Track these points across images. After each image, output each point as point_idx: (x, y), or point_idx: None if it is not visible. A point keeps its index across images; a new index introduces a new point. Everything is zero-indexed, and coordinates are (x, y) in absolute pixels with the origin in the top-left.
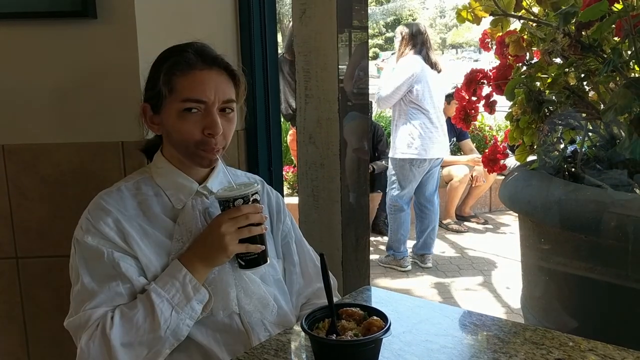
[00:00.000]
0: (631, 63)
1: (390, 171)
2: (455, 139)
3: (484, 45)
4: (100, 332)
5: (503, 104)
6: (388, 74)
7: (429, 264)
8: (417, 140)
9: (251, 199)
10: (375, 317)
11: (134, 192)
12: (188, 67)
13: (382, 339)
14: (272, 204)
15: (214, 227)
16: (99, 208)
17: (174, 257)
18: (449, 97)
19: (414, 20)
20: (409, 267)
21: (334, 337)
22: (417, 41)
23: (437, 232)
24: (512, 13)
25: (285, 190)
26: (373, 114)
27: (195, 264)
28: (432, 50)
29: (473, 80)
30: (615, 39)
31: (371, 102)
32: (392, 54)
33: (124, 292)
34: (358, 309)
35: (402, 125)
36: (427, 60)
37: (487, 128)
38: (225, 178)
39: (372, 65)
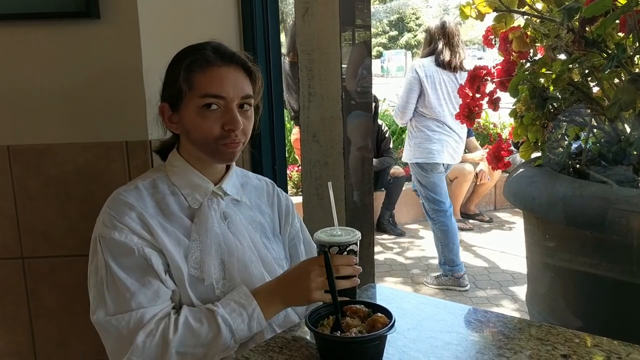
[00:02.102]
0: (635, 58)
1: (414, 181)
2: None
3: (487, 42)
4: (162, 335)
5: (507, 100)
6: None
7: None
8: (424, 145)
9: (347, 250)
10: (379, 314)
11: (151, 190)
12: (207, 63)
13: (386, 335)
14: (281, 205)
15: (303, 270)
16: (121, 203)
17: (191, 256)
18: None
19: (417, 18)
20: (468, 286)
21: (338, 334)
22: (435, 40)
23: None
24: (516, 9)
25: (290, 190)
26: (378, 113)
27: (273, 299)
28: (455, 47)
29: (476, 77)
30: (620, 34)
31: (375, 97)
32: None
33: (160, 291)
34: (362, 306)
35: (412, 130)
36: (439, 60)
37: (491, 126)
38: (238, 180)
39: (376, 64)
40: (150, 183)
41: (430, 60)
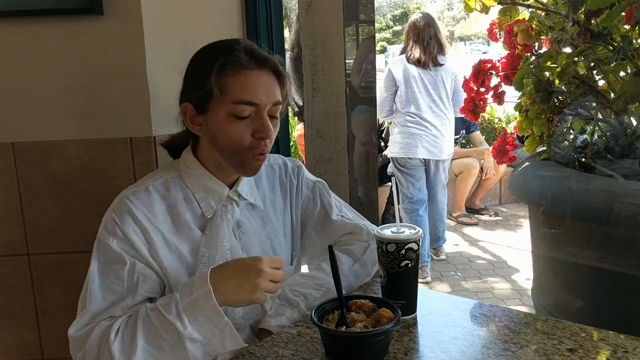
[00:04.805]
0: None
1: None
2: (464, 131)
3: (492, 35)
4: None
5: (512, 94)
6: None
7: (442, 256)
8: (399, 140)
9: (405, 247)
10: (384, 309)
11: (162, 193)
12: (240, 66)
13: (392, 330)
14: (293, 191)
15: (252, 267)
16: (126, 211)
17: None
18: None
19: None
20: (428, 278)
21: (343, 328)
22: (409, 37)
23: (442, 229)
24: (521, 2)
25: None
26: None
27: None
28: (424, 43)
29: (481, 71)
30: (625, 27)
31: None
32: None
33: (130, 307)
34: (367, 300)
35: (392, 127)
36: (408, 58)
37: (496, 120)
38: (250, 184)
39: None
40: (162, 184)
41: (404, 58)
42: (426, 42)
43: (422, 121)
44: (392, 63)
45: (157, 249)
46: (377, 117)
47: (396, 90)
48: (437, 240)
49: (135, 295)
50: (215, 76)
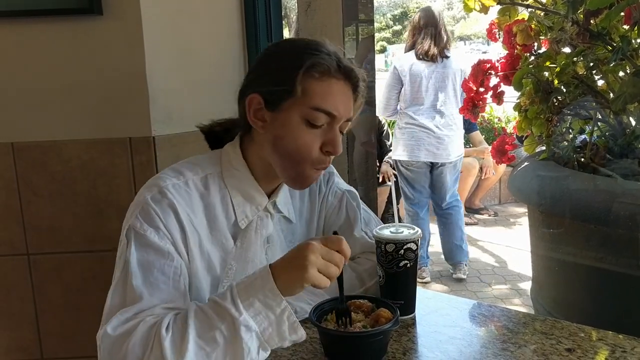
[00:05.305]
0: None
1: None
2: (464, 131)
3: (491, 35)
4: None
5: (511, 94)
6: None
7: (460, 275)
8: (402, 142)
9: (404, 248)
10: (383, 309)
11: (202, 191)
12: (327, 72)
13: (390, 330)
14: (319, 200)
15: (299, 248)
16: (167, 204)
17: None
18: None
19: None
20: (428, 279)
21: (343, 323)
22: (417, 30)
23: (459, 238)
24: (520, 2)
25: None
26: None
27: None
28: (434, 36)
29: (480, 71)
30: (625, 27)
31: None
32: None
33: (174, 306)
34: (366, 300)
35: (396, 128)
36: (417, 52)
37: (496, 120)
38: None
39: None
40: (202, 181)
41: (411, 55)
42: (435, 34)
43: (426, 122)
44: (397, 60)
45: (193, 253)
46: (381, 116)
47: (401, 88)
48: (455, 251)
49: (179, 293)
50: (302, 75)
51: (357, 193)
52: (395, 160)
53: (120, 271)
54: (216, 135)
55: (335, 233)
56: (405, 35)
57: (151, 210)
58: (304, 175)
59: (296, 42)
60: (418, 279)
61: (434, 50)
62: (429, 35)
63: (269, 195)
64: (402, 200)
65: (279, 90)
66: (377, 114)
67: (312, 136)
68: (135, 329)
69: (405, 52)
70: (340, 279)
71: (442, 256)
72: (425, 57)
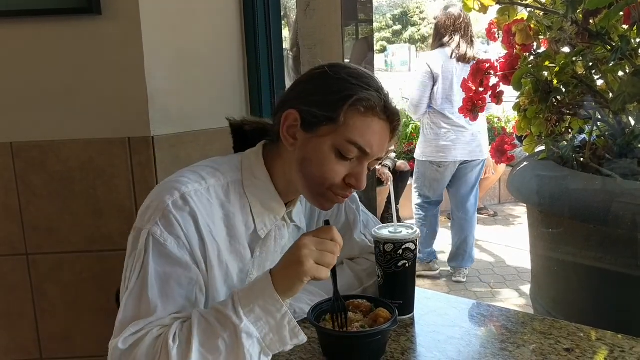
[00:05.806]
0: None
1: (415, 174)
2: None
3: (490, 35)
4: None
5: (511, 94)
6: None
7: (460, 278)
8: (434, 143)
9: (403, 247)
10: (382, 309)
11: (222, 199)
12: (372, 110)
13: (389, 330)
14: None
15: (296, 243)
16: (187, 211)
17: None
18: None
19: (421, 12)
20: (438, 269)
21: (340, 319)
22: (448, 32)
23: (471, 245)
24: (519, 1)
25: None
26: None
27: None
28: (471, 38)
29: (480, 70)
30: (624, 26)
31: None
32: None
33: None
34: (365, 300)
35: (424, 127)
36: (456, 53)
37: (495, 120)
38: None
39: (380, 58)
40: (224, 190)
41: (440, 53)
42: (470, 36)
43: (459, 120)
44: (429, 58)
45: (212, 263)
46: (413, 116)
47: (433, 87)
48: (457, 259)
49: (190, 303)
50: (348, 106)
51: (356, 196)
52: (422, 160)
53: (137, 279)
54: (244, 134)
55: (327, 223)
56: (406, 35)
57: (172, 218)
58: (325, 197)
59: (351, 72)
60: (429, 272)
61: (471, 53)
62: (465, 38)
63: (286, 205)
64: (400, 200)
65: (320, 115)
66: (409, 113)
67: (339, 167)
68: (143, 340)
69: (433, 48)
70: (333, 272)
71: (444, 256)
72: (463, 59)
